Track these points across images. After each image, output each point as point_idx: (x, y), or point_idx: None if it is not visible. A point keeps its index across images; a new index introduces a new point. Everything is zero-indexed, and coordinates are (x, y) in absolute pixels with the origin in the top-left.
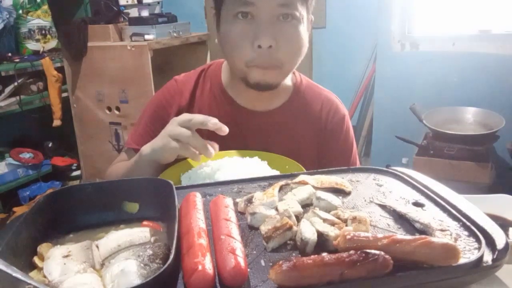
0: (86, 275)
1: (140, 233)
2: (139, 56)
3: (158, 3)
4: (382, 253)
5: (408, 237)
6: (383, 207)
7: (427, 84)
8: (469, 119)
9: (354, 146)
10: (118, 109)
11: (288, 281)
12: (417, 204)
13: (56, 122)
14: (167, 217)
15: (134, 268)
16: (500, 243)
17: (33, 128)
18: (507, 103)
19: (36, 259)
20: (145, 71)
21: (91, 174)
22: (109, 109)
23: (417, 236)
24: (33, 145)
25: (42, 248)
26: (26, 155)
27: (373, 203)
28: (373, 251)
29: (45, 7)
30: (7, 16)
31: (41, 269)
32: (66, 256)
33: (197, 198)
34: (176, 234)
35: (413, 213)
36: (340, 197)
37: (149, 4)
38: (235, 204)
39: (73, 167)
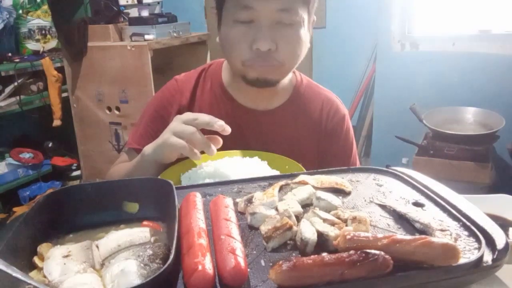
0: (86, 275)
1: (140, 233)
2: (139, 56)
3: (158, 3)
4: (382, 253)
5: (408, 237)
6: (383, 207)
7: (427, 84)
8: (469, 119)
9: (354, 146)
10: (118, 109)
11: (288, 281)
12: (417, 204)
13: (56, 122)
14: (167, 217)
15: (134, 268)
16: (500, 243)
17: (33, 128)
18: (507, 103)
19: (36, 259)
20: (145, 71)
21: (91, 174)
22: (109, 109)
23: (417, 236)
24: (33, 145)
25: (42, 248)
26: (26, 155)
27: (373, 203)
28: (373, 251)
29: (45, 7)
30: (7, 16)
31: (41, 269)
32: (66, 256)
33: (197, 198)
34: (176, 234)
35: (413, 213)
36: (340, 197)
37: (149, 4)
38: (235, 204)
39: (73, 167)
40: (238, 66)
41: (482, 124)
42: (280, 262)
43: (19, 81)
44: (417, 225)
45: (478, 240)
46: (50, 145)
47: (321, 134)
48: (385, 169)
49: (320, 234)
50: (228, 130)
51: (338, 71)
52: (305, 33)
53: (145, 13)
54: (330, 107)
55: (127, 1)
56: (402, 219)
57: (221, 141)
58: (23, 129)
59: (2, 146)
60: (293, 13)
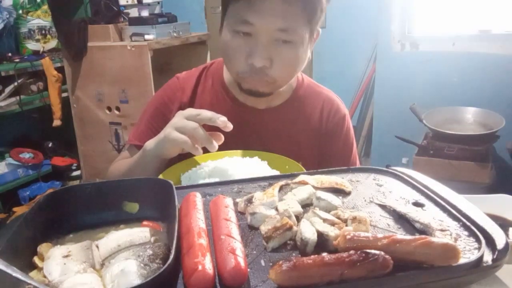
0: (86, 275)
1: (140, 233)
2: (139, 56)
3: (158, 3)
4: (382, 253)
5: (408, 237)
6: (383, 207)
7: (427, 84)
8: (469, 119)
9: (354, 146)
10: (118, 109)
11: (288, 281)
12: (417, 204)
13: (56, 122)
14: (167, 217)
15: (134, 268)
16: (500, 243)
17: (33, 128)
18: (507, 103)
19: (36, 259)
20: (145, 71)
21: (91, 174)
22: (109, 109)
23: (417, 236)
24: (33, 145)
25: (42, 248)
26: (26, 155)
27: (373, 203)
28: (373, 251)
29: (45, 7)
30: (7, 16)
31: (41, 269)
32: (66, 256)
33: (197, 198)
34: (176, 234)
35: (413, 213)
36: (340, 197)
37: (149, 4)
38: (235, 204)
39: (73, 167)
40: (233, 74)
41: (482, 124)
42: (280, 262)
43: (19, 81)
44: (417, 225)
45: (478, 240)
46: (50, 145)
47: (321, 134)
48: (385, 169)
49: (320, 234)
50: (230, 126)
51: (338, 71)
52: (303, 52)
53: (145, 13)
54: (330, 106)
55: (127, 1)
56: (402, 219)
57: (223, 137)
58: (23, 129)
59: (2, 146)
60: (292, 33)
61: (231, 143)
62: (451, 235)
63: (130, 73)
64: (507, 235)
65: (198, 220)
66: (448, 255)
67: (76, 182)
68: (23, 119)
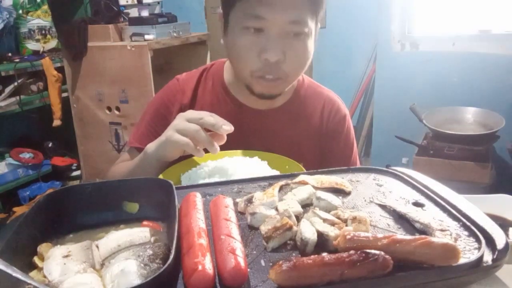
0: (86, 275)
1: (140, 233)
2: (139, 56)
3: (158, 3)
4: (382, 253)
5: (408, 237)
6: (383, 207)
7: (427, 84)
8: (469, 119)
9: (354, 146)
10: (118, 109)
11: (288, 281)
12: (417, 204)
13: (56, 122)
14: (167, 217)
15: (134, 268)
16: (500, 243)
17: (33, 128)
18: (507, 103)
19: (36, 259)
20: (145, 71)
21: (91, 174)
22: (109, 109)
23: (417, 236)
24: (33, 145)
25: (42, 248)
26: (26, 155)
27: (373, 203)
28: (373, 251)
29: (45, 7)
30: (7, 16)
31: (41, 269)
32: (66, 256)
33: (197, 198)
34: (176, 234)
35: (413, 213)
36: (340, 197)
37: (149, 4)
38: (235, 204)
39: (73, 167)
40: (246, 75)
41: (482, 124)
42: (280, 262)
43: (19, 81)
44: (417, 225)
45: (478, 240)
46: (50, 145)
47: (322, 134)
48: (385, 169)
49: (320, 234)
50: (231, 128)
51: (338, 71)
52: (311, 44)
53: (145, 13)
54: (331, 107)
55: (127, 1)
56: (402, 219)
57: (225, 137)
58: (23, 129)
59: (2, 146)
60: (303, 24)
61: (231, 144)
62: (451, 235)
63: (130, 73)
64: (507, 235)
65: (198, 220)
66: (448, 255)
67: (76, 182)
68: (23, 119)
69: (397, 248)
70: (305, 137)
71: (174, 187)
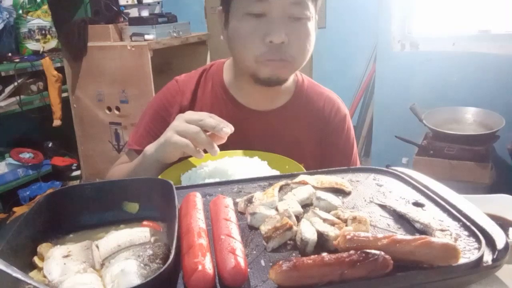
0: (86, 275)
1: (140, 233)
2: (139, 56)
3: (158, 3)
4: (382, 253)
5: (408, 237)
6: (383, 207)
7: (427, 84)
8: (469, 119)
9: (354, 146)
10: (118, 109)
11: (288, 281)
12: (417, 204)
13: (56, 122)
14: (167, 217)
15: (134, 268)
16: (500, 243)
17: (33, 128)
18: (507, 103)
19: (36, 259)
20: (145, 71)
21: (91, 174)
22: (109, 109)
23: (417, 236)
24: (33, 145)
25: (42, 248)
26: (26, 155)
27: (373, 203)
28: (373, 251)
29: (45, 7)
30: (7, 16)
31: (41, 269)
32: (66, 256)
33: (197, 198)
34: (176, 234)
35: (413, 213)
36: (340, 197)
37: (149, 4)
38: (235, 204)
39: (73, 167)
40: (250, 62)
41: (482, 124)
42: (280, 262)
43: (19, 81)
44: (417, 225)
45: (478, 240)
46: (50, 145)
47: (322, 134)
48: (385, 169)
49: (320, 234)
50: (232, 130)
51: (338, 71)
52: (313, 29)
53: (145, 13)
54: (331, 107)
55: (127, 1)
56: (402, 219)
57: (225, 138)
58: (23, 129)
59: (2, 146)
60: (304, 6)
61: (232, 145)
62: (451, 235)
63: (130, 73)
64: (507, 235)
65: (198, 220)
66: (448, 255)
67: (76, 182)
68: (23, 119)
69: (397, 248)
70: (305, 138)
71: (174, 187)
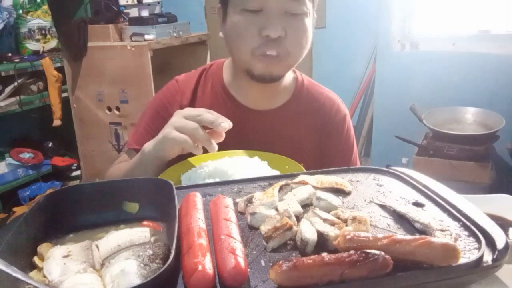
0: (86, 275)
1: (140, 233)
2: (139, 56)
3: (158, 3)
4: (382, 253)
5: (408, 237)
6: (383, 207)
7: (427, 84)
8: (469, 119)
9: (354, 146)
10: (118, 109)
11: (288, 281)
12: (417, 204)
13: (56, 122)
14: (167, 217)
15: (134, 268)
16: (500, 243)
17: (33, 128)
18: (507, 103)
19: (36, 259)
20: (145, 71)
21: (91, 174)
22: (109, 109)
23: (417, 236)
24: (33, 145)
25: (42, 248)
26: (26, 155)
27: (373, 203)
28: (373, 251)
29: (45, 7)
30: (7, 16)
31: (41, 269)
32: (66, 256)
33: (197, 198)
34: (176, 234)
35: (413, 213)
36: (340, 197)
37: (149, 4)
38: (235, 204)
39: (73, 167)
40: (246, 57)
41: (482, 124)
42: (280, 262)
43: (19, 81)
44: (417, 225)
45: (478, 240)
46: (50, 145)
47: (322, 134)
48: (385, 169)
49: (320, 234)
50: (230, 125)
51: (338, 71)
52: (310, 25)
53: (145, 13)
54: (331, 106)
55: (127, 1)
56: (402, 219)
57: (223, 135)
58: (23, 129)
59: (2, 146)
60: (301, 2)
61: (231, 144)
62: (451, 235)
63: (130, 73)
64: (507, 235)
65: (198, 220)
66: (448, 255)
67: (76, 182)
68: (23, 119)
69: (397, 248)
70: (305, 137)
71: (174, 187)
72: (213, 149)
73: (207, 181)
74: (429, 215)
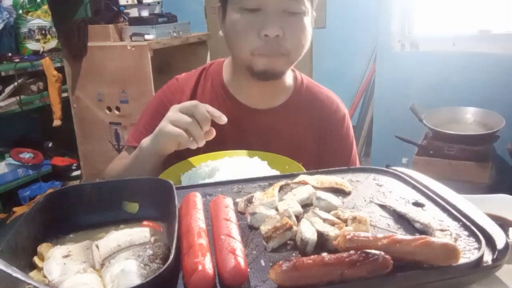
0: (86, 275)
1: (140, 233)
2: (139, 56)
3: (158, 3)
4: (382, 253)
5: (408, 237)
6: (383, 207)
7: (427, 84)
8: (469, 119)
9: (354, 146)
10: (118, 109)
11: (288, 281)
12: (417, 204)
13: (56, 122)
14: (167, 217)
15: (134, 268)
16: (500, 243)
17: (33, 128)
18: (507, 103)
19: (36, 259)
20: (145, 71)
21: (91, 174)
22: (109, 109)
23: (417, 236)
24: (33, 145)
25: (42, 248)
26: (26, 155)
27: (373, 203)
28: (373, 251)
29: (45, 7)
30: (7, 16)
31: (41, 269)
32: (66, 256)
33: (197, 198)
34: (176, 234)
35: (413, 213)
36: (340, 197)
37: (149, 4)
38: (235, 204)
39: (73, 167)
40: (246, 56)
41: (482, 124)
42: (280, 262)
43: (19, 81)
44: (417, 225)
45: (478, 240)
46: (50, 145)
47: (321, 133)
48: (385, 169)
49: (320, 234)
50: (224, 119)
51: (338, 71)
52: (309, 24)
53: (145, 13)
54: (330, 106)
55: (127, 1)
56: (402, 219)
57: (214, 132)
58: (23, 129)
59: (2, 146)
60: (300, 1)
61: (231, 144)
62: (451, 235)
63: (130, 73)
64: (507, 235)
65: (198, 220)
66: (448, 255)
67: (76, 182)
68: (23, 119)
69: (397, 248)
70: (305, 136)
71: (174, 187)
72: (201, 144)
73: (207, 181)
74: (429, 215)
